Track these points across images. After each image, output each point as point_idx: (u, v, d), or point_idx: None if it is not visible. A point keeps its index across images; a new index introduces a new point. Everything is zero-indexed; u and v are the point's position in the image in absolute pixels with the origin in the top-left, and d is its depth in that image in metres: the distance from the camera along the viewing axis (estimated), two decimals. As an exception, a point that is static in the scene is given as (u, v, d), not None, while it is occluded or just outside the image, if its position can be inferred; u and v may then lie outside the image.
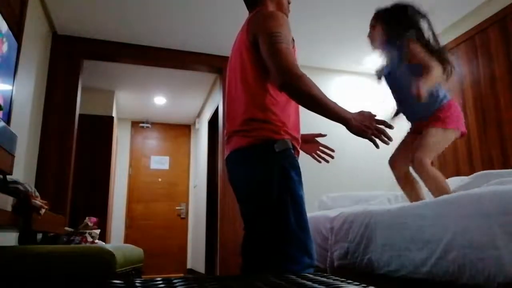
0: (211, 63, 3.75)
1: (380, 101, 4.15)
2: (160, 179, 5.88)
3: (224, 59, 3.66)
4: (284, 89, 1.24)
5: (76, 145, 3.25)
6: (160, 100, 5.16)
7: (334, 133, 4.19)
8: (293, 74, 1.21)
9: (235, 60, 1.44)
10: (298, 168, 1.31)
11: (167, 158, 6.00)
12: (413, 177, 2.12)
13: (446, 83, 2.11)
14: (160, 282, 0.75)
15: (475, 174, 2.17)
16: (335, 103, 1.24)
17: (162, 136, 6.07)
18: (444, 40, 3.30)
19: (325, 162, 1.63)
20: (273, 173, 1.25)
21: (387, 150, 4.09)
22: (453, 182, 2.22)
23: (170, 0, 2.87)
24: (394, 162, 2.18)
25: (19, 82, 2.35)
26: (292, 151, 1.31)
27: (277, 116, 1.30)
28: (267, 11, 1.38)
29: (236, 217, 3.49)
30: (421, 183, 2.07)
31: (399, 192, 2.71)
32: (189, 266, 5.73)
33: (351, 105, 4.04)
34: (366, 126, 1.23)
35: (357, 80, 4.15)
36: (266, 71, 1.31)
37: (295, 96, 1.26)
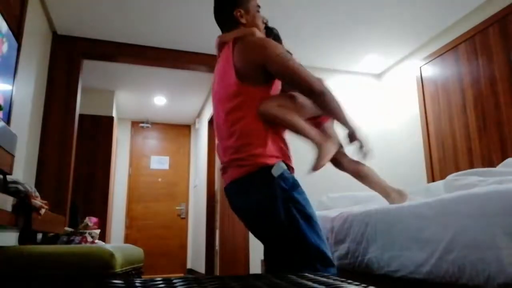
0: (211, 63, 3.74)
1: (379, 101, 4.15)
2: (160, 179, 5.88)
3: (224, 59, 3.65)
4: (316, 103, 1.36)
5: (76, 145, 3.25)
6: (160, 100, 5.16)
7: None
8: (318, 93, 1.31)
9: (218, 86, 1.46)
10: (299, 186, 1.32)
11: (167, 158, 6.00)
12: (365, 168, 1.96)
13: None
14: (160, 282, 0.75)
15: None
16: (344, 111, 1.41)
17: (162, 136, 6.07)
18: (444, 40, 3.32)
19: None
20: (277, 199, 1.25)
21: (387, 151, 4.09)
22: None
23: (170, 0, 2.87)
24: (339, 165, 1.96)
25: (19, 82, 2.35)
26: (288, 171, 1.32)
27: (266, 139, 1.31)
28: (254, 38, 1.40)
29: (236, 218, 3.49)
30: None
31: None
32: (189, 266, 5.73)
33: (351, 105, 4.04)
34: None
35: (356, 80, 4.15)
36: (250, 97, 1.34)
37: (321, 107, 1.38)
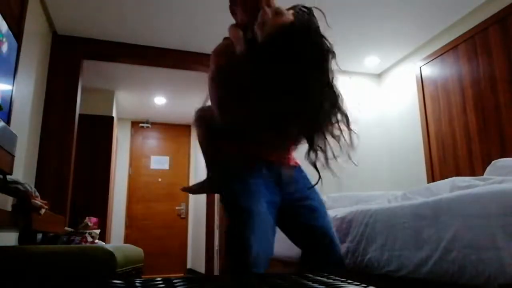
0: (211, 63, 3.74)
1: (379, 101, 4.15)
2: (160, 179, 5.88)
3: (224, 59, 3.65)
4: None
5: (76, 145, 3.25)
6: (160, 100, 5.15)
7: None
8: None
9: None
10: (241, 178, 1.34)
11: (167, 158, 6.00)
12: None
13: None
14: (160, 282, 0.75)
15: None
16: None
17: (162, 136, 6.07)
18: (444, 40, 3.31)
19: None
20: (223, 190, 1.39)
21: (387, 151, 4.07)
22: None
23: (170, 0, 2.87)
24: None
25: (19, 82, 2.35)
26: (236, 162, 1.37)
27: (223, 135, 1.41)
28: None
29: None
30: None
31: (399, 192, 2.71)
32: (189, 266, 5.73)
33: (351, 105, 4.04)
34: None
35: (356, 80, 4.14)
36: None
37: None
